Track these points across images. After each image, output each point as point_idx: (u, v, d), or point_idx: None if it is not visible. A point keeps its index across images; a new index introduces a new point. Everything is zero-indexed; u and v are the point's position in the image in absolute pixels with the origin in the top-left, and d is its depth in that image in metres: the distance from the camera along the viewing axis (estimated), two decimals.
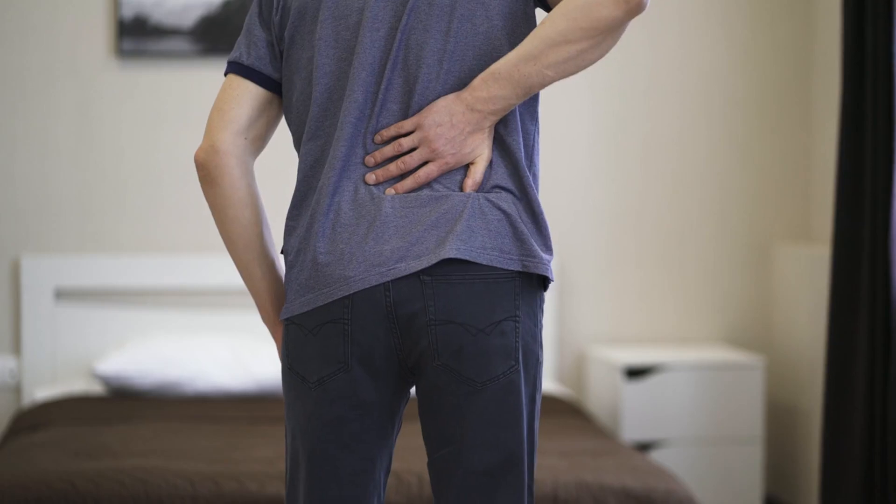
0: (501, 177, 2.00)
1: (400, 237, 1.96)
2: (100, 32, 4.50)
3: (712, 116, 4.72)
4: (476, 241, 1.95)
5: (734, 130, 4.73)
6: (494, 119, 1.98)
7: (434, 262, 1.94)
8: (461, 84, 1.99)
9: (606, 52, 1.96)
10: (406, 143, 1.99)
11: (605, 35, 1.93)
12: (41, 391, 4.31)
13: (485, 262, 1.95)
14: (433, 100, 1.99)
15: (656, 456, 4.28)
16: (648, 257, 4.73)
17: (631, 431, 4.31)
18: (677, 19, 4.69)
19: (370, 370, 1.99)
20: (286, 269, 2.07)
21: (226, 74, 2.12)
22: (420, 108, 1.99)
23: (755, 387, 4.36)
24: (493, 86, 1.96)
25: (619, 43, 1.97)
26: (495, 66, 1.96)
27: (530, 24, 2.02)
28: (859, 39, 3.85)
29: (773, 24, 4.71)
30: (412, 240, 1.95)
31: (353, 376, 1.99)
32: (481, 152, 1.99)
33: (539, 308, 2.02)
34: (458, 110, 1.97)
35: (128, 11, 4.46)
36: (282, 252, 2.10)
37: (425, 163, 1.99)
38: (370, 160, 2.00)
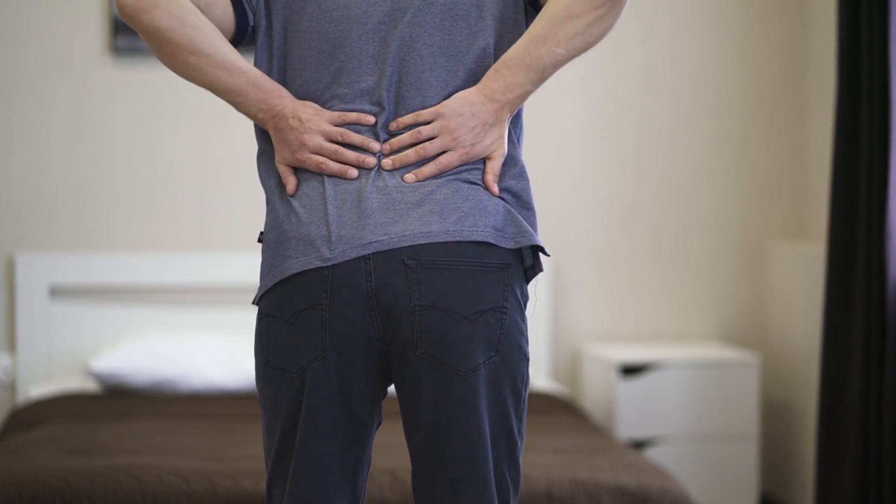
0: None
1: (382, 213, 1.95)
2: (94, 29, 4.50)
3: (706, 114, 4.72)
4: (467, 220, 1.95)
5: (728, 128, 4.73)
6: (512, 109, 1.99)
7: (421, 242, 1.93)
8: (454, 76, 2.01)
9: (612, 25, 1.98)
10: (426, 131, 1.98)
11: (608, 6, 1.95)
12: (36, 389, 4.30)
13: (480, 240, 1.93)
14: (426, 91, 2.00)
15: (651, 453, 4.28)
16: (643, 255, 4.73)
17: (626, 429, 4.31)
18: (671, 18, 4.68)
19: (347, 359, 1.97)
20: (262, 250, 2.03)
21: None
22: (410, 99, 2.00)
23: (750, 384, 4.36)
24: (506, 74, 1.97)
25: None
26: (507, 55, 1.98)
27: (519, 29, 2.04)
28: (854, 37, 3.85)
29: (767, 22, 4.71)
30: (395, 216, 1.94)
31: (329, 365, 1.97)
32: (497, 147, 2.00)
33: (525, 303, 2.02)
34: (476, 101, 1.98)
35: None
36: (260, 236, 2.06)
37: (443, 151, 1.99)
38: (386, 147, 1.99)
